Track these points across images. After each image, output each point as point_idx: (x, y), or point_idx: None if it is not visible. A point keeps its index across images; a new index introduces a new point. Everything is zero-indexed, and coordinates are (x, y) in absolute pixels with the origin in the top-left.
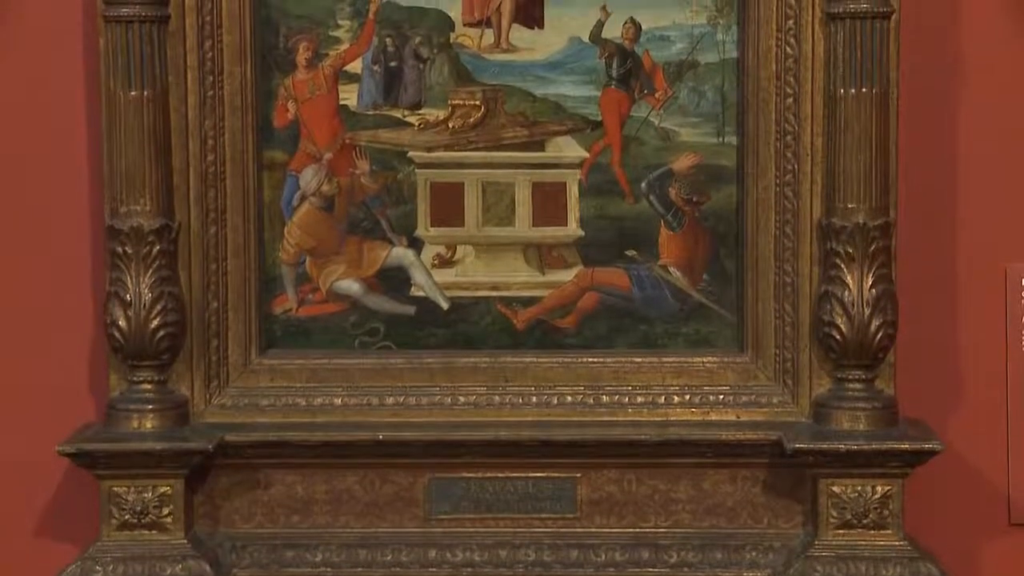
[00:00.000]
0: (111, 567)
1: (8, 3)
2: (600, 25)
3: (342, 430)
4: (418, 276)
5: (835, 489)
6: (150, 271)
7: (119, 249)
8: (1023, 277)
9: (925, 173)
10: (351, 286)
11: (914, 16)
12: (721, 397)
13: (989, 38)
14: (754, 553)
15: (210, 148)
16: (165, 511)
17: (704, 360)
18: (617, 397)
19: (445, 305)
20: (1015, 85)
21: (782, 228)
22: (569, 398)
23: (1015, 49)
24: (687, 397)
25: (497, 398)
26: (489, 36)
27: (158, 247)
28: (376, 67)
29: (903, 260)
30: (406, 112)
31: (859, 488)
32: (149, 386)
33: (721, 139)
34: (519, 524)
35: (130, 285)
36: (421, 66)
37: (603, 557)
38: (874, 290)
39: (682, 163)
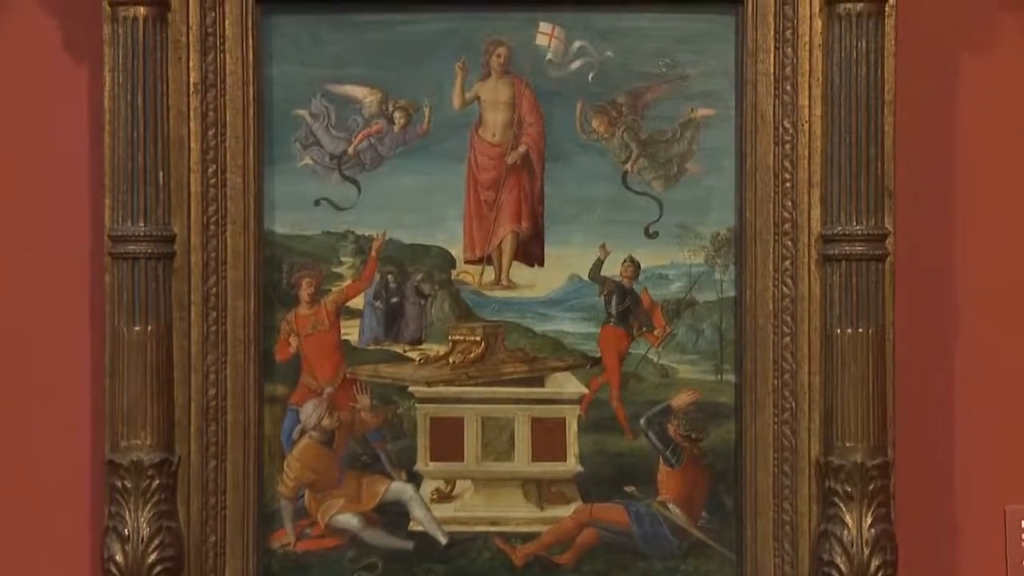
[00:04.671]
0: None
1: (19, 242)
2: (599, 263)
3: None
4: (417, 511)
5: None
6: (149, 505)
7: (118, 483)
8: (1023, 519)
9: (923, 413)
10: (350, 520)
11: (909, 258)
12: None
13: (984, 286)
14: None
15: (212, 383)
16: None
17: None
18: None
19: (443, 540)
20: (1008, 327)
21: (780, 466)
22: None
23: (1008, 293)
24: None
25: None
26: (490, 273)
27: (157, 481)
28: (378, 303)
29: (902, 500)
30: (407, 347)
31: None
32: None
33: (719, 376)
34: None
35: (128, 519)
36: (422, 302)
37: None
38: (873, 530)
39: (681, 400)
